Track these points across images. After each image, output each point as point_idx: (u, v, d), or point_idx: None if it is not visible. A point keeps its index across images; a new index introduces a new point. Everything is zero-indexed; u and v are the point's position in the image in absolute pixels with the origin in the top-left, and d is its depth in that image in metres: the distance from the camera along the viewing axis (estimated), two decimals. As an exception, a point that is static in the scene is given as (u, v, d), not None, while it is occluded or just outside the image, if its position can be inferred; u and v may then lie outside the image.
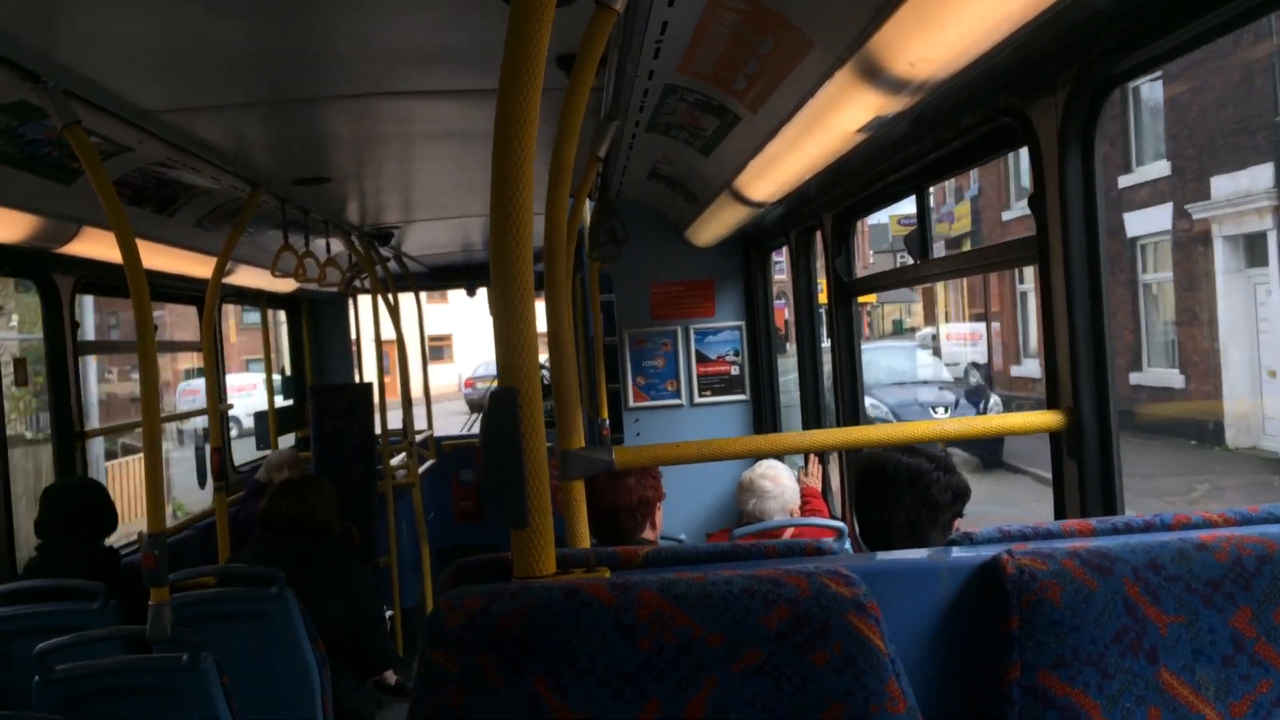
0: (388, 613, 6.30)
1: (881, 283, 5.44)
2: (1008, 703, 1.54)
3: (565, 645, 1.38)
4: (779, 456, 4.81)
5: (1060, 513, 2.65)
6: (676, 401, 6.79)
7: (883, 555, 1.84)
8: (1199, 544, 1.58)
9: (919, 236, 3.65)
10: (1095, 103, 2.43)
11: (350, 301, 8.93)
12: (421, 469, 7.84)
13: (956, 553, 1.73)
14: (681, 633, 1.39)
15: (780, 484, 4.58)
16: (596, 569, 1.64)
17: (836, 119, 2.97)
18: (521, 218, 1.54)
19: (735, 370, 6.77)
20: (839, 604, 1.41)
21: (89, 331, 10.62)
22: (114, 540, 4.67)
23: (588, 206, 5.40)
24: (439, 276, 10.11)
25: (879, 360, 21.42)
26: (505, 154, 1.55)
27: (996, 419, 2.63)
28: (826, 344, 5.16)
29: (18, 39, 2.80)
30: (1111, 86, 2.41)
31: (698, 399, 6.79)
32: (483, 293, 10.23)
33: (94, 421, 11.92)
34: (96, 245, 4.57)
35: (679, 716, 1.38)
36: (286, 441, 8.67)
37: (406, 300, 8.71)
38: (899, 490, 2.66)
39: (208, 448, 5.72)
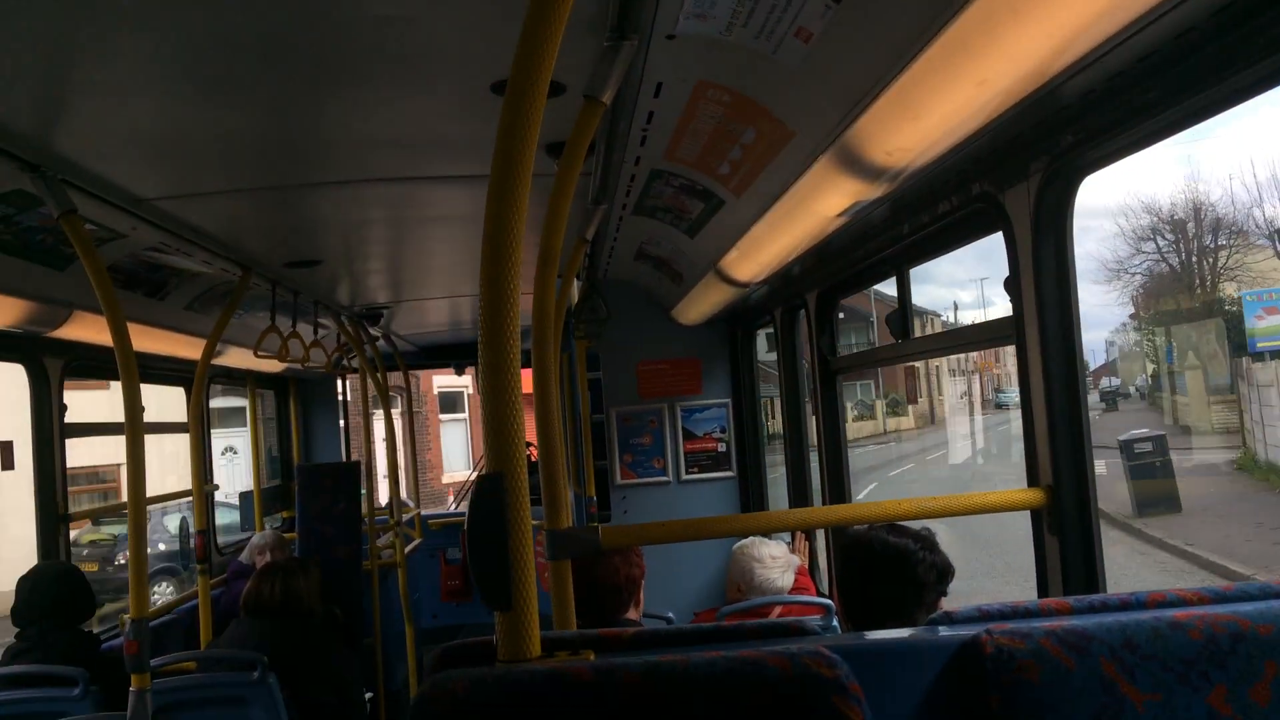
0: (367, 695, 6.20)
1: (865, 362, 5.50)
2: None
3: None
4: (766, 535, 4.81)
5: (1043, 588, 2.67)
6: (664, 479, 6.80)
7: (865, 635, 1.85)
8: (1173, 622, 1.61)
9: (900, 317, 3.71)
10: (1066, 190, 2.52)
11: (339, 381, 8.94)
12: (408, 548, 7.78)
13: (936, 632, 1.75)
14: (665, 718, 1.40)
15: (781, 554, 4.61)
16: (581, 652, 1.65)
17: (818, 204, 3.06)
18: (510, 305, 1.58)
19: (722, 447, 6.79)
20: (821, 686, 1.43)
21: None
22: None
23: (575, 286, 5.48)
24: (428, 355, 10.15)
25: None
26: (496, 240, 1.60)
27: (979, 496, 2.64)
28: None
29: (16, 130, 2.87)
30: (1081, 175, 2.49)
31: (685, 476, 6.79)
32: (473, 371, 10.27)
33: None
34: (87, 329, 4.60)
35: None
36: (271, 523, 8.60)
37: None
38: (884, 570, 2.67)
39: (192, 529, 5.68)
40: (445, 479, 25.91)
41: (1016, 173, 2.62)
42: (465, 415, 29.14)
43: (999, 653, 1.57)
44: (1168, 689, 1.56)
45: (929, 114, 2.18)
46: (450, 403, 28.87)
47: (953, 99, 2.09)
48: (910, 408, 45.19)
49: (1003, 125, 2.29)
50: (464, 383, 27.75)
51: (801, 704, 1.41)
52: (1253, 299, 27.46)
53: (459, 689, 1.42)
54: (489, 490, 1.52)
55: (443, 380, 27.11)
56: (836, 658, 1.46)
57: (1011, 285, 2.70)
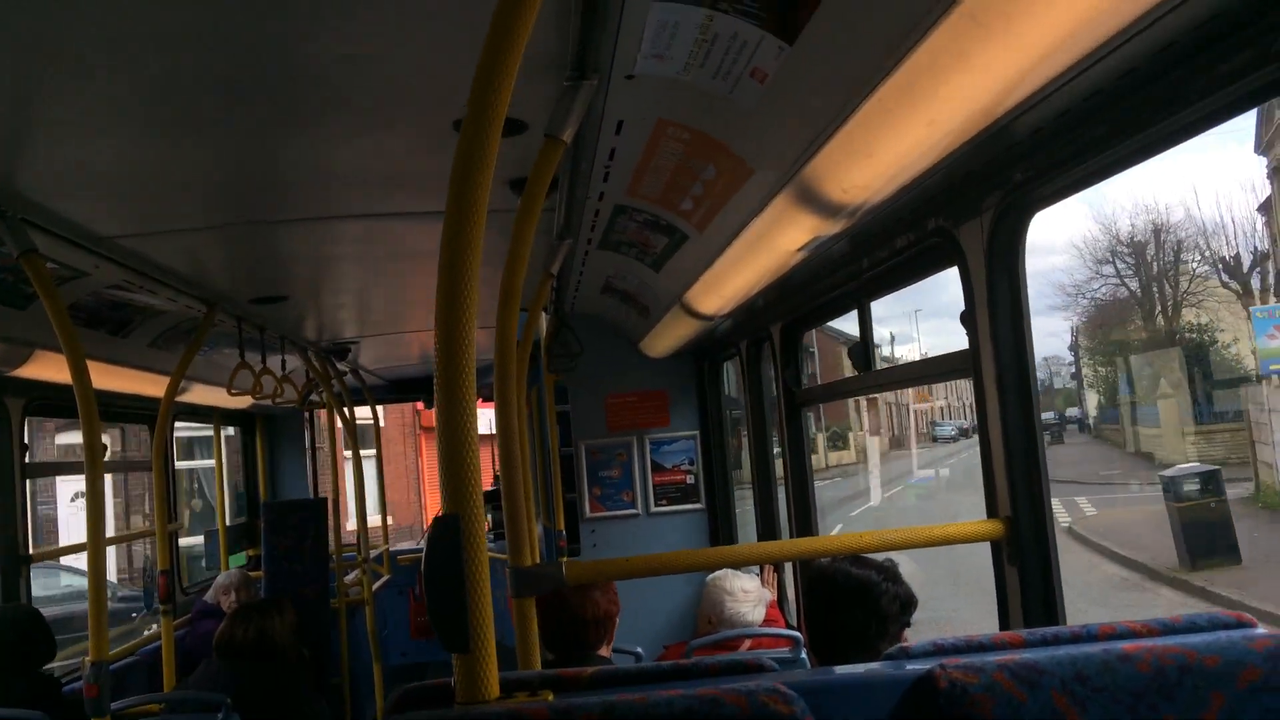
0: None
1: (829, 394, 5.54)
2: None
3: None
4: (734, 568, 4.82)
5: (1004, 617, 2.70)
6: (633, 511, 6.79)
7: (822, 671, 1.87)
8: (1122, 655, 1.63)
9: (862, 349, 3.76)
10: (1019, 225, 2.57)
11: (306, 416, 8.88)
12: (376, 585, 7.71)
13: (893, 667, 1.76)
14: None
15: (754, 588, 4.62)
16: (540, 692, 1.65)
17: (778, 239, 3.10)
18: (466, 343, 1.59)
19: (690, 479, 6.80)
20: None
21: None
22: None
23: (543, 320, 5.49)
24: (397, 389, 10.11)
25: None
26: (451, 276, 1.61)
27: (939, 529, 2.69)
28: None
29: None
30: (1033, 210, 2.55)
31: (654, 508, 6.79)
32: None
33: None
34: (49, 368, 4.56)
35: None
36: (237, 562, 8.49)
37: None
38: (848, 602, 2.69)
39: (156, 570, 5.60)
40: (351, 525, 24.68)
41: (970, 209, 2.67)
42: (374, 452, 27.63)
43: (952, 687, 1.59)
44: None
45: (882, 152, 2.23)
46: (359, 437, 27.40)
47: (904, 138, 2.14)
48: (851, 440, 44.39)
49: (955, 162, 2.34)
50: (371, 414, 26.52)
51: None
52: (1263, 315, 23.88)
53: None
54: (446, 532, 1.52)
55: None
56: (793, 694, 1.47)
57: (968, 319, 2.75)
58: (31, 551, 5.34)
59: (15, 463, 5.11)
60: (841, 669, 1.96)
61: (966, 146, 2.21)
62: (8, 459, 5.09)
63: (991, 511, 2.70)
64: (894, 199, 2.58)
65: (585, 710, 1.43)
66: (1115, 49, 1.81)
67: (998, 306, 2.62)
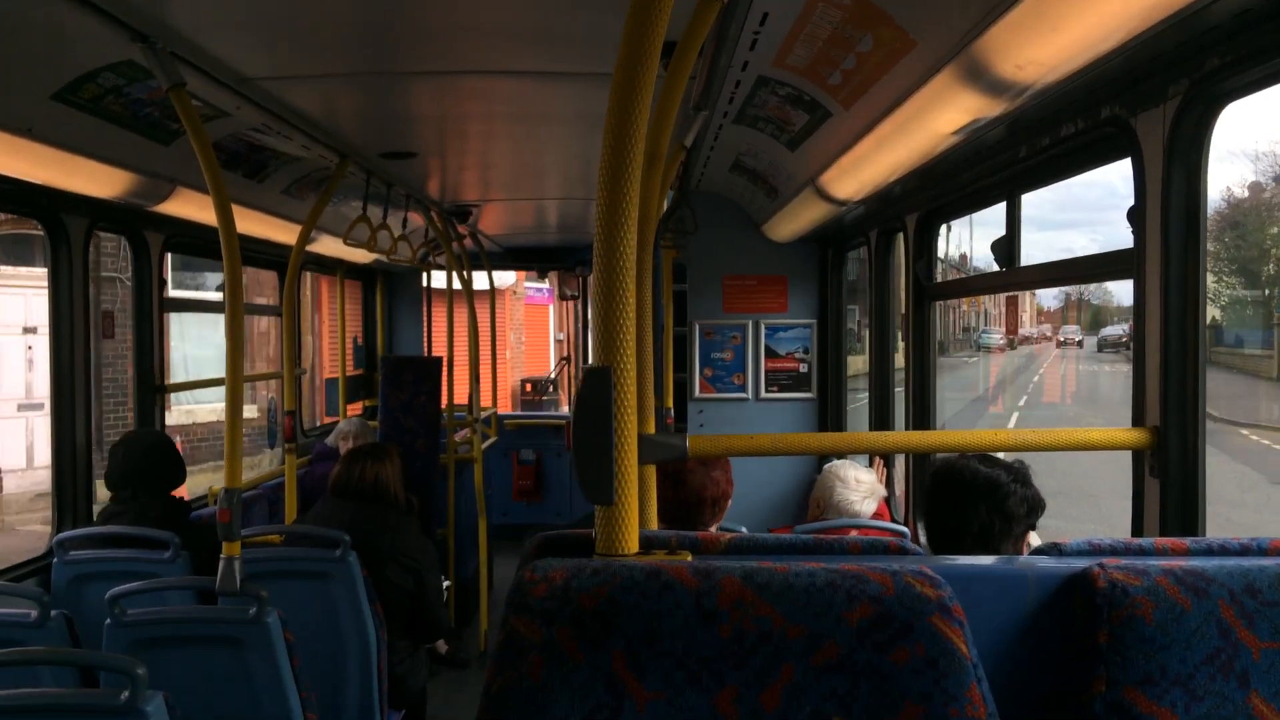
0: (445, 584, 6.40)
1: (964, 289, 5.36)
2: (1091, 717, 1.52)
3: (646, 625, 1.39)
4: (851, 455, 4.78)
5: (1138, 530, 2.60)
6: (742, 395, 6.77)
7: (967, 560, 1.82)
8: None
9: (1006, 245, 3.58)
10: (1205, 117, 2.37)
11: (424, 276, 9.05)
12: (483, 446, 7.93)
13: (1044, 562, 1.71)
14: (762, 622, 1.39)
15: (868, 480, 4.57)
16: (678, 552, 1.65)
17: (932, 120, 2.93)
18: (629, 202, 1.55)
19: (804, 368, 6.73)
20: (923, 605, 1.40)
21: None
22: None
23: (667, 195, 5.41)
24: (512, 257, 10.20)
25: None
26: (618, 138, 1.56)
27: (1080, 433, 2.58)
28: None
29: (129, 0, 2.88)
30: (1224, 102, 2.34)
31: (764, 394, 6.76)
32: (552, 277, 10.28)
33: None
34: (187, 205, 4.68)
35: (754, 705, 1.39)
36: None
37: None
38: (974, 499, 2.62)
39: (280, 409, 5.82)
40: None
41: (1152, 96, 2.47)
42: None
43: (1112, 588, 1.53)
44: None
45: (1070, 25, 2.05)
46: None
47: (1098, 9, 1.96)
48: (902, 344, 40.96)
49: (1144, 43, 2.15)
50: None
51: (902, 622, 1.39)
52: None
53: (558, 576, 1.43)
54: (597, 383, 1.51)
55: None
56: (940, 578, 1.43)
57: (1135, 216, 2.57)
58: (166, 382, 5.60)
59: (154, 296, 5.32)
60: (990, 559, 1.91)
61: (1161, 24, 2.02)
62: (147, 292, 5.30)
63: (1138, 420, 2.58)
64: (1068, 80, 2.40)
65: (726, 572, 1.42)
66: None
67: (1171, 205, 2.44)
